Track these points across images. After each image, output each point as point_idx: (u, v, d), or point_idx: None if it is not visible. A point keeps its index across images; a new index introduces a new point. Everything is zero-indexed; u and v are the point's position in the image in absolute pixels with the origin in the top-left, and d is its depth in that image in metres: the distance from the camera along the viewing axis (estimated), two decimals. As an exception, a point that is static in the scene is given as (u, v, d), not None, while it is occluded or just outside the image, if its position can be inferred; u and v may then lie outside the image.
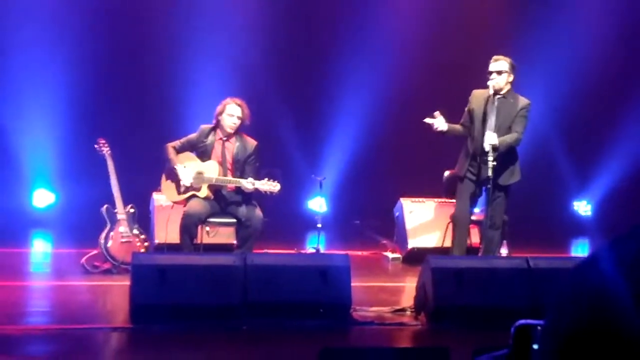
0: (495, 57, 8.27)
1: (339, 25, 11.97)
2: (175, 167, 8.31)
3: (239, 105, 8.23)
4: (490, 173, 7.95)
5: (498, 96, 8.16)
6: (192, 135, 8.46)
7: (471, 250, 8.73)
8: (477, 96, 8.34)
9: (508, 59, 8.24)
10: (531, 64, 11.16)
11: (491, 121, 8.11)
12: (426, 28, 12.08)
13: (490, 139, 7.96)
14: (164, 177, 8.48)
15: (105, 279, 8.31)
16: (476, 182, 8.31)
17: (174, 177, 8.38)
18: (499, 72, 8.16)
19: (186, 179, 8.27)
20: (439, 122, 8.26)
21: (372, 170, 12.07)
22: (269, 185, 8.18)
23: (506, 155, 8.16)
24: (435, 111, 8.26)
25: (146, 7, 11.51)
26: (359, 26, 11.89)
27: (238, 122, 8.25)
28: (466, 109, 8.41)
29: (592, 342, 0.81)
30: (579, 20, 12.33)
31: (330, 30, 11.99)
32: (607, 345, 0.80)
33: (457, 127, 8.36)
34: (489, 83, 8.15)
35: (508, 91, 8.22)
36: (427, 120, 8.28)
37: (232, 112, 8.22)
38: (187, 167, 8.33)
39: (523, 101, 8.27)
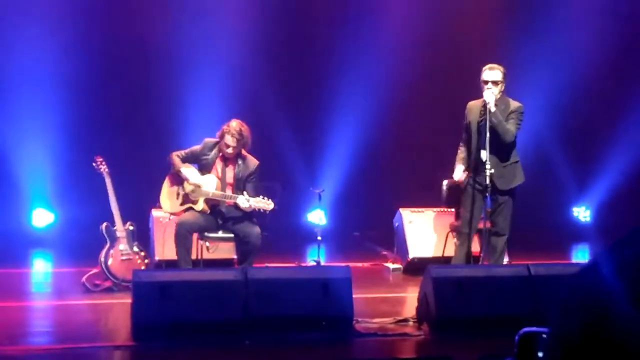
0: (490, 65, 8.24)
1: (337, 39, 11.97)
2: (180, 169, 8.34)
3: (235, 138, 8.23)
4: (488, 181, 7.96)
5: (491, 106, 8.09)
6: (196, 147, 8.49)
7: (472, 259, 8.71)
8: (472, 109, 8.33)
9: (501, 68, 8.23)
10: (530, 70, 11.16)
11: (487, 134, 8.03)
12: (421, 43, 12.07)
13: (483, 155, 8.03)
14: (165, 185, 8.50)
15: (106, 297, 8.29)
16: (480, 191, 8.27)
17: (177, 183, 8.42)
18: (495, 83, 8.14)
19: (193, 178, 8.32)
20: (459, 176, 8.43)
21: (371, 181, 12.06)
22: (263, 203, 8.18)
23: (506, 159, 8.16)
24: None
25: (142, 23, 11.50)
26: (356, 40, 11.90)
27: (233, 151, 8.30)
28: (464, 122, 8.40)
29: (595, 348, 0.81)
30: (579, 23, 12.32)
31: (329, 43, 11.99)
32: (609, 351, 0.80)
33: (462, 155, 8.42)
34: (485, 93, 8.12)
35: (500, 99, 8.21)
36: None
37: (228, 143, 8.27)
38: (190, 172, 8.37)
39: (514, 104, 8.26)
